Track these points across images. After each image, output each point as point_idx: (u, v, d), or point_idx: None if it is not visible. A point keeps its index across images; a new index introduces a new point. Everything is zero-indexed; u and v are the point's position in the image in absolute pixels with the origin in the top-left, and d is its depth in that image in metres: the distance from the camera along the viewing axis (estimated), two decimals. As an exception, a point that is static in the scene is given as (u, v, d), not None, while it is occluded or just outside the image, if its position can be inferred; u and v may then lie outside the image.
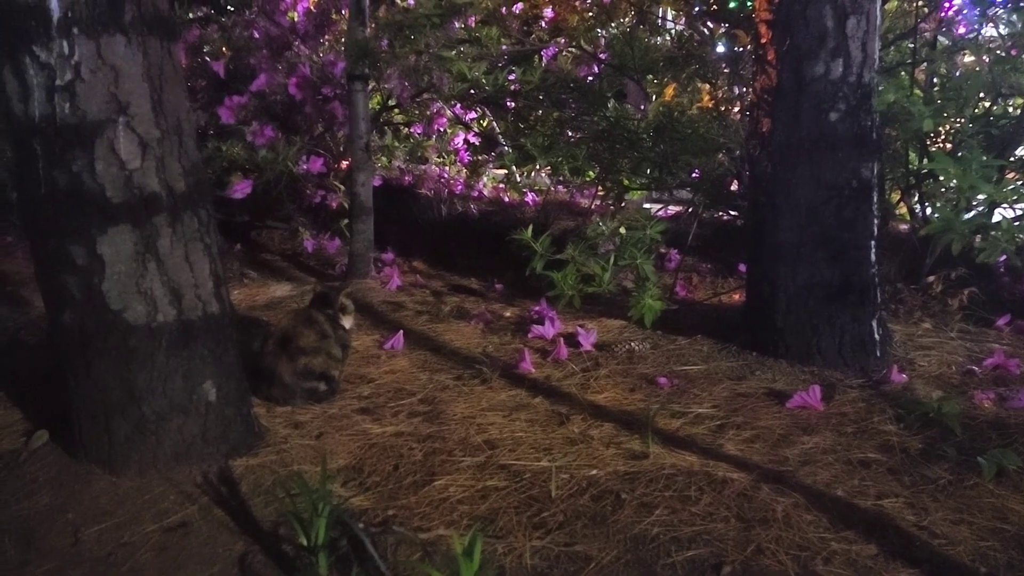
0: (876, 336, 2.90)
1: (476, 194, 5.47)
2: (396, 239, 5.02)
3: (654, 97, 4.75)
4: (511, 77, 4.07)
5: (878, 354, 2.90)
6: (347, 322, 2.75)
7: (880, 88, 2.72)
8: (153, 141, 1.85)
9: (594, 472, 2.06)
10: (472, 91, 4.57)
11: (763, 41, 2.88)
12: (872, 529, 1.83)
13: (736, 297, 3.94)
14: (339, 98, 4.55)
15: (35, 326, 3.30)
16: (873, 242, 2.88)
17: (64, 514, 1.83)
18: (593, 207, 5.07)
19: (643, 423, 2.35)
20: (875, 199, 2.86)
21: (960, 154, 3.61)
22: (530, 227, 3.30)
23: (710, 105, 3.66)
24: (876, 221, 2.88)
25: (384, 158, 5.40)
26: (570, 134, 5.00)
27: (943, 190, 3.82)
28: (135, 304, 1.87)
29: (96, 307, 1.86)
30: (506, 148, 5.49)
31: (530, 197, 5.36)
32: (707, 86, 3.85)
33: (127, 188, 1.83)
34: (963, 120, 3.78)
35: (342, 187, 4.91)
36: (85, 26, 1.75)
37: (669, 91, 3.71)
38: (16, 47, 1.74)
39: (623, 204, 5.00)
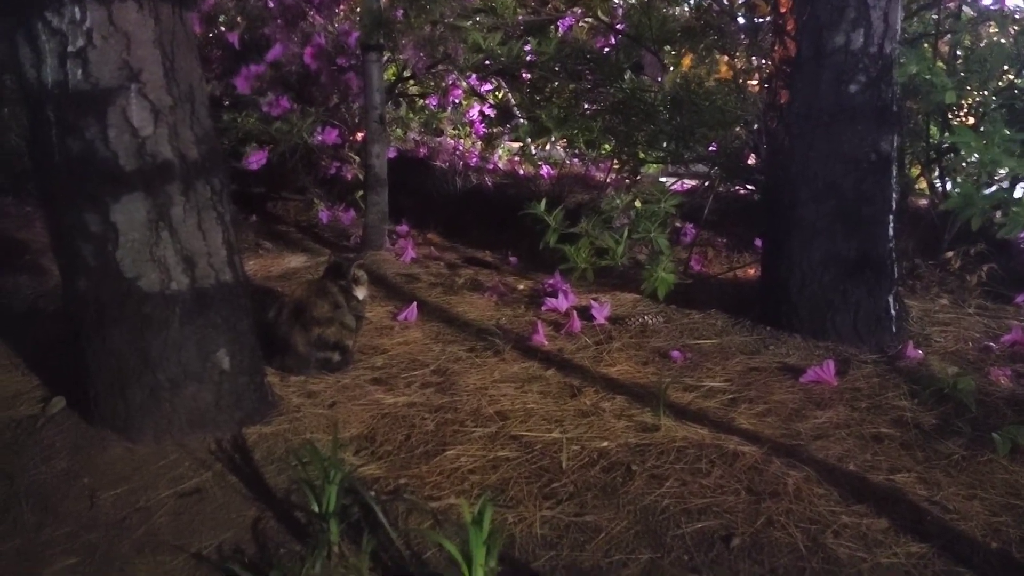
0: (892, 312, 2.88)
1: (491, 167, 5.44)
2: (411, 211, 5.01)
3: (671, 68, 4.70)
4: (526, 48, 4.04)
5: (894, 330, 2.87)
6: (360, 292, 2.75)
7: (902, 60, 2.67)
8: (165, 108, 1.85)
9: (605, 444, 2.07)
10: (487, 62, 4.55)
11: (783, 11, 2.84)
12: (883, 503, 1.83)
13: (751, 272, 3.91)
14: (354, 69, 4.52)
15: (52, 295, 3.32)
16: (891, 217, 2.85)
17: (80, 479, 1.85)
18: (608, 180, 5.04)
19: (655, 396, 2.34)
20: (894, 173, 2.82)
21: (983, 128, 3.54)
22: (543, 201, 3.28)
23: (728, 76, 3.60)
24: (895, 195, 2.84)
25: (399, 130, 5.38)
26: (586, 106, 4.97)
27: (964, 164, 3.78)
28: (149, 272, 1.88)
29: (110, 275, 1.87)
30: (521, 120, 5.45)
31: (545, 170, 5.33)
32: (725, 57, 3.79)
33: (140, 156, 1.83)
34: (986, 93, 3.72)
35: (357, 158, 4.90)
36: (97, -8, 1.74)
37: (686, 61, 3.66)
38: (29, 13, 1.74)
39: (639, 177, 4.97)
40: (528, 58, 3.80)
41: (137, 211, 1.84)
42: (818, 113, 2.76)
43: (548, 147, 5.30)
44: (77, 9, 1.74)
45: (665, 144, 4.29)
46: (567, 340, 2.98)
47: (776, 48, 2.92)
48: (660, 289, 2.89)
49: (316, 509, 1.61)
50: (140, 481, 1.84)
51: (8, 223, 4.57)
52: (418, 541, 1.64)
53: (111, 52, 1.77)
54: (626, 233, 3.10)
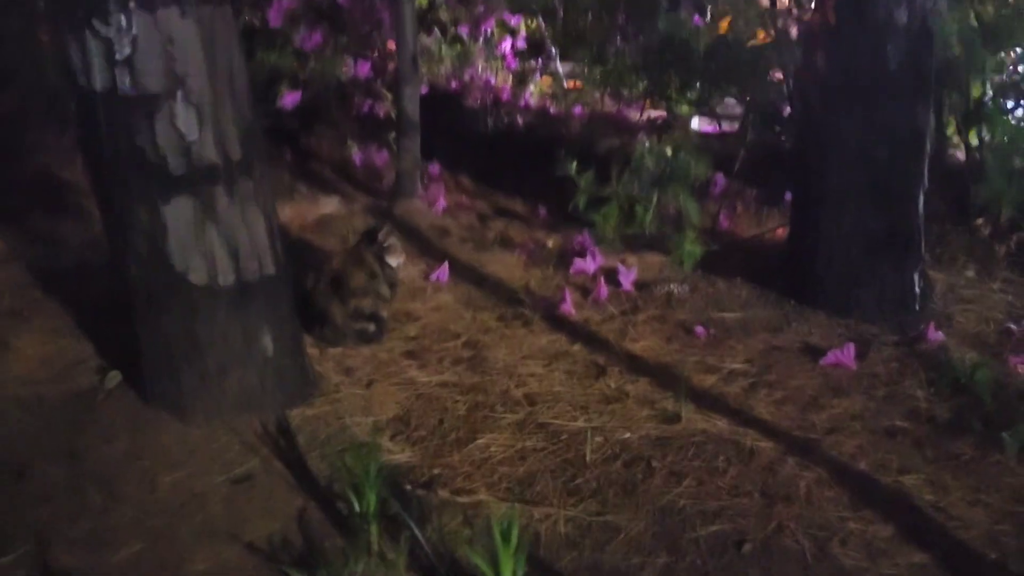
0: (917, 289, 2.92)
1: (523, 104, 5.41)
2: (442, 150, 5.02)
3: (708, 10, 4.60)
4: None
5: (917, 308, 2.92)
6: (394, 260, 2.82)
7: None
8: (209, 111, 1.90)
9: (627, 435, 2.17)
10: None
11: (825, -22, 2.77)
12: (890, 508, 1.93)
13: (780, 232, 3.92)
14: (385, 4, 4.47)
15: (99, 244, 3.41)
16: (922, 192, 2.85)
17: (140, 461, 2.00)
18: (641, 122, 5.00)
19: (678, 379, 2.44)
20: (928, 148, 2.82)
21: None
22: (574, 163, 3.30)
23: (765, 40, 3.53)
24: (927, 171, 2.84)
25: (431, 66, 5.34)
26: (619, 41, 4.89)
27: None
28: (196, 265, 1.97)
29: (161, 266, 1.97)
30: (554, 53, 5.38)
31: (577, 109, 5.28)
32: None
33: (187, 159, 1.89)
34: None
35: (389, 95, 4.89)
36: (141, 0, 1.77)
37: (724, 24, 3.58)
38: (78, 22, 1.78)
39: (671, 119, 4.93)
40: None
41: (185, 209, 1.92)
42: (855, 84, 2.74)
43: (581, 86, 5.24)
44: (123, 17, 1.77)
45: (699, 85, 4.26)
46: (594, 309, 3.06)
47: (816, 13, 2.87)
48: (686, 262, 2.95)
49: (357, 509, 1.74)
50: (195, 466, 1.98)
51: (50, 158, 4.64)
52: (451, 540, 1.77)
53: (157, 59, 1.82)
54: (655, 199, 3.14)
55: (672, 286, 3.20)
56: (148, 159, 1.87)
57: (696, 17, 4.29)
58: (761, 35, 3.45)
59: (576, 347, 2.72)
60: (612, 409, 2.31)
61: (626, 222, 3.12)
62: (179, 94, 1.85)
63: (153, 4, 1.78)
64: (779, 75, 3.88)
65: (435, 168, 4.90)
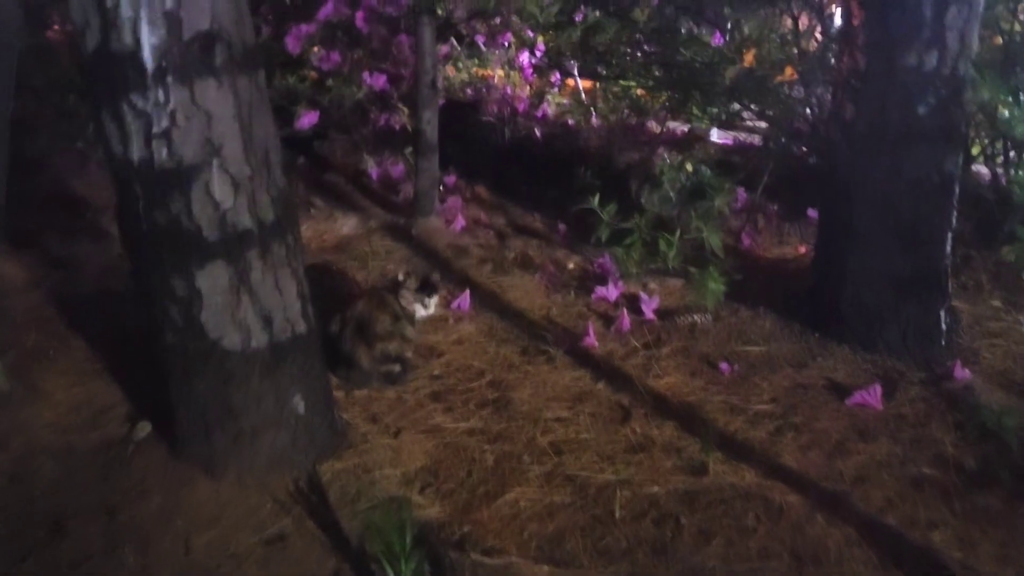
0: (943, 326, 2.91)
1: (540, 115, 5.39)
2: (458, 160, 5.02)
3: (729, 26, 4.56)
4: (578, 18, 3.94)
5: (943, 343, 2.92)
6: (420, 310, 2.81)
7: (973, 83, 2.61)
8: (244, 179, 1.91)
9: (655, 489, 2.19)
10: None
11: (854, 23, 2.75)
12: (919, 568, 1.94)
13: (802, 251, 3.92)
14: (405, 27, 4.46)
15: (118, 268, 3.42)
16: (950, 234, 2.84)
17: (175, 519, 2.02)
18: (661, 135, 4.98)
19: (704, 423, 2.45)
20: (956, 191, 2.80)
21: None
22: (596, 196, 3.30)
23: (793, 78, 3.51)
24: (955, 214, 2.82)
25: (449, 74, 5.32)
26: (638, 54, 4.86)
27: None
28: (231, 332, 1.99)
29: (195, 334, 1.98)
30: (572, 66, 5.35)
31: (595, 121, 5.27)
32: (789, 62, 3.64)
33: (221, 227, 1.90)
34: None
35: (406, 109, 4.89)
36: (179, 74, 1.78)
37: (749, 57, 3.56)
38: (114, 95, 1.79)
39: (691, 134, 4.91)
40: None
41: (219, 277, 1.94)
42: (883, 131, 2.72)
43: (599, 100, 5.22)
44: (161, 91, 1.78)
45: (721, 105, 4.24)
46: (617, 341, 3.07)
47: (844, 58, 2.85)
48: (709, 301, 2.94)
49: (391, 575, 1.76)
50: (229, 525, 2.01)
51: (63, 170, 4.64)
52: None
53: (194, 131, 1.83)
54: (678, 234, 3.13)
55: (695, 316, 3.20)
56: (183, 227, 1.88)
57: (718, 36, 4.25)
58: (789, 71, 3.42)
59: (600, 386, 2.74)
60: (639, 459, 2.32)
61: (649, 255, 3.12)
62: (215, 163, 1.86)
63: (190, 78, 1.79)
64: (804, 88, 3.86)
65: (451, 178, 4.90)
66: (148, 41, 1.74)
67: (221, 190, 1.88)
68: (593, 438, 2.42)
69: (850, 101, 2.82)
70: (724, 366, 2.83)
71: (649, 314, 3.26)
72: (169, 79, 1.77)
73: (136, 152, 1.83)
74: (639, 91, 5.05)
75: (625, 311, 3.20)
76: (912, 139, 2.67)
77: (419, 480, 2.21)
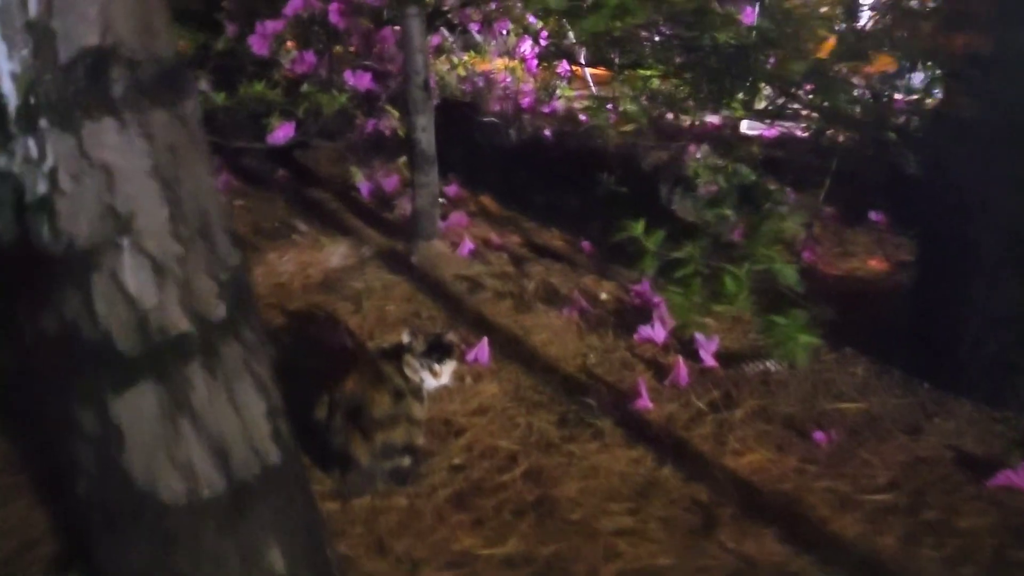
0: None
1: (548, 110, 4.76)
2: (458, 166, 4.40)
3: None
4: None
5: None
6: (430, 379, 2.20)
7: None
8: (172, 260, 1.30)
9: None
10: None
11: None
12: None
13: (874, 264, 3.32)
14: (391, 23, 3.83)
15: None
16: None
17: None
18: (692, 130, 4.35)
19: (809, 524, 1.87)
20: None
21: None
22: (640, 224, 2.67)
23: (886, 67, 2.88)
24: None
25: (441, 67, 4.69)
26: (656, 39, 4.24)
27: None
28: (168, 479, 1.38)
29: (118, 484, 1.37)
30: (581, 55, 4.72)
31: (613, 116, 4.64)
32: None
33: (143, 333, 1.29)
34: None
35: (396, 112, 4.26)
36: (57, 114, 1.16)
37: (828, 46, 2.89)
38: (-37, 151, 1.17)
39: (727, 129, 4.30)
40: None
41: (146, 405, 1.33)
42: (1012, 132, 2.11)
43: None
44: (32, 142, 1.16)
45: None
46: (675, 400, 2.47)
47: (953, 39, 2.23)
48: (800, 358, 2.32)
49: None
50: None
51: None
52: None
53: (87, 197, 1.21)
54: (747, 268, 2.51)
55: (768, 363, 2.60)
56: (84, 337, 1.27)
57: (748, 13, 3.63)
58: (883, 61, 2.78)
59: (666, 472, 2.14)
60: (741, 602, 1.72)
61: (710, 295, 2.51)
62: (125, 242, 1.25)
63: (75, 119, 1.17)
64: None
65: (452, 188, 4.29)
66: (4, 68, 1.12)
67: (137, 280, 1.26)
68: (673, 564, 1.81)
69: (965, 93, 2.20)
70: (819, 435, 2.24)
71: (709, 360, 2.66)
72: (43, 123, 1.16)
73: (4, 233, 1.21)
74: (660, 81, 4.41)
75: (680, 359, 2.60)
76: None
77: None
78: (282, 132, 3.70)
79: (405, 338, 2.20)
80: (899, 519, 1.94)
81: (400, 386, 2.15)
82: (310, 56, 3.85)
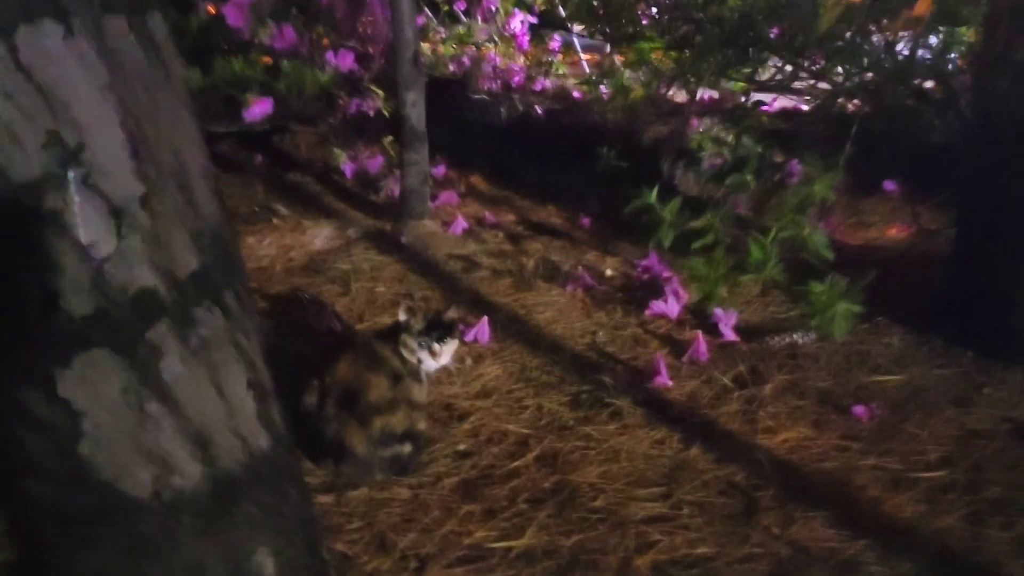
0: None
1: (538, 87, 4.55)
2: (447, 146, 4.18)
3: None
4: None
5: None
6: (430, 361, 1.98)
7: None
8: (134, 203, 1.07)
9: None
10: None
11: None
12: None
13: (893, 233, 3.13)
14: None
15: None
16: None
17: None
18: (691, 102, 4.15)
19: (860, 504, 1.67)
20: None
21: None
22: (654, 192, 2.48)
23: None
24: None
25: (425, 46, 4.46)
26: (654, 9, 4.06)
27: None
28: (135, 469, 1.15)
29: (73, 478, 1.14)
30: (572, 28, 4.51)
31: (607, 92, 4.43)
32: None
33: (96, 290, 1.06)
34: None
35: (380, 92, 4.03)
36: (-18, 17, 0.94)
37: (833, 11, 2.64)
38: None
39: (734, 101, 4.10)
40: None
41: (104, 378, 1.10)
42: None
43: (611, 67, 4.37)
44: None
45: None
46: (697, 376, 2.27)
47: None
48: (838, 326, 2.12)
49: None
50: None
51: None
52: None
53: (23, 120, 0.98)
54: (773, 233, 2.32)
55: (795, 336, 2.40)
56: (25, 295, 1.04)
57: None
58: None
59: (694, 452, 1.93)
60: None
61: (736, 266, 2.31)
62: (72, 176, 1.02)
63: (5, 23, 0.94)
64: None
65: (440, 169, 4.07)
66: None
67: (88, 224, 1.03)
68: (714, 552, 1.61)
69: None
70: (859, 410, 2.04)
71: (729, 334, 2.46)
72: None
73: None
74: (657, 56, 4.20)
75: (700, 333, 2.40)
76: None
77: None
78: (259, 108, 3.48)
79: (402, 316, 1.98)
80: (959, 497, 1.75)
81: (398, 368, 1.94)
82: (289, 31, 3.62)
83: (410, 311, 1.98)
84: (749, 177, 2.53)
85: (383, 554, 1.60)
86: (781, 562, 1.57)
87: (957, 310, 2.32)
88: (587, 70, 4.60)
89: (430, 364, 1.97)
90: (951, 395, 2.10)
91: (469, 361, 2.40)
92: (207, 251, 1.16)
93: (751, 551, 1.60)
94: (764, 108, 4.12)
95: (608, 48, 4.50)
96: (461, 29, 4.38)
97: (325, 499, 1.76)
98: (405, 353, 1.96)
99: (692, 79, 3.91)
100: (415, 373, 1.97)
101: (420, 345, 1.95)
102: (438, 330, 1.97)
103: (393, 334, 1.99)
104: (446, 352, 1.98)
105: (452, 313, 2.04)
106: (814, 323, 2.14)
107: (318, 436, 1.83)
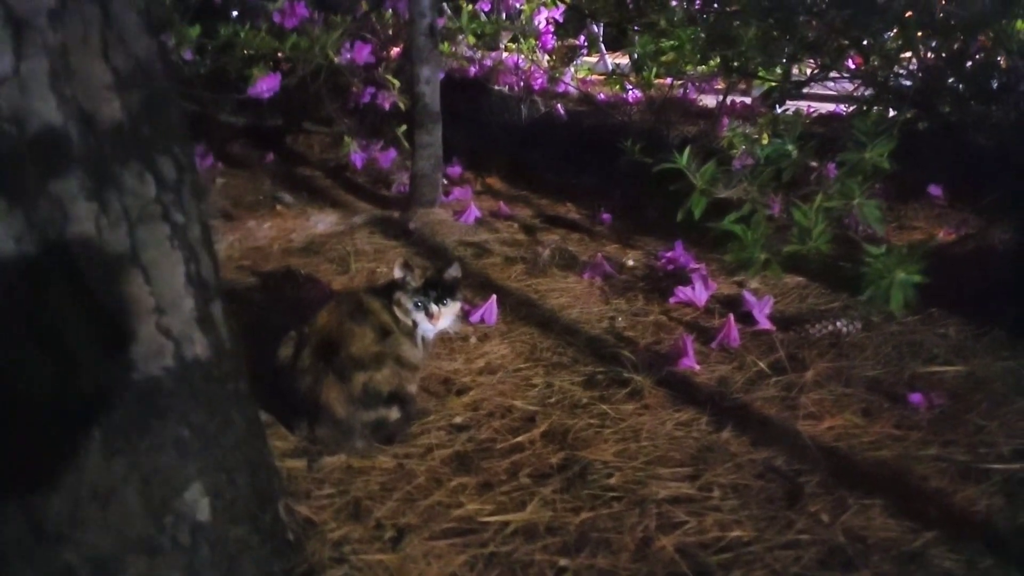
0: None
1: (561, 89, 4.36)
2: (463, 147, 3.99)
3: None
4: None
5: None
6: (427, 322, 1.74)
7: None
8: (41, 16, 0.85)
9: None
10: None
11: None
12: None
13: (943, 235, 2.87)
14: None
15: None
16: None
17: None
18: (722, 103, 3.94)
19: (924, 497, 1.39)
20: None
21: None
22: (686, 153, 2.26)
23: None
24: None
25: (446, 44, 4.30)
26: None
27: None
28: (29, 362, 0.91)
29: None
30: (597, 30, 4.33)
31: (632, 95, 4.23)
32: None
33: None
34: None
35: (396, 82, 3.85)
36: None
37: None
38: None
39: (753, 98, 3.89)
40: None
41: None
42: None
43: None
44: None
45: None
46: (727, 362, 2.01)
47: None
48: (895, 301, 1.85)
49: None
50: None
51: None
52: None
53: None
54: (818, 201, 2.07)
55: (838, 323, 2.13)
56: None
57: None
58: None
59: (727, 435, 1.67)
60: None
61: (774, 231, 2.07)
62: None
63: None
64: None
65: (456, 169, 3.87)
66: None
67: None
68: (754, 536, 1.33)
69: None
70: (916, 397, 1.77)
71: (764, 322, 2.20)
72: None
73: None
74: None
75: (731, 316, 2.14)
76: None
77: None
78: (265, 84, 3.29)
79: (397, 272, 1.75)
80: (1042, 493, 1.46)
81: (387, 323, 1.70)
82: (301, 8, 3.46)
83: (406, 267, 1.75)
84: (791, 147, 2.29)
85: (354, 521, 1.35)
86: (833, 550, 1.29)
87: (1022, 302, 2.05)
88: (609, 67, 4.39)
89: (427, 328, 1.74)
90: (1020, 387, 1.82)
91: (473, 339, 2.16)
92: (136, 99, 0.94)
93: (796, 537, 1.33)
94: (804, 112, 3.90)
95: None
96: (488, 27, 4.19)
97: (295, 463, 1.52)
98: (399, 313, 1.72)
99: (735, 66, 3.67)
100: (409, 334, 1.73)
101: (416, 305, 1.72)
102: (437, 290, 1.74)
103: (387, 292, 1.76)
104: (445, 315, 1.74)
105: (453, 272, 1.80)
106: (866, 295, 1.87)
107: (291, 392, 1.59)
